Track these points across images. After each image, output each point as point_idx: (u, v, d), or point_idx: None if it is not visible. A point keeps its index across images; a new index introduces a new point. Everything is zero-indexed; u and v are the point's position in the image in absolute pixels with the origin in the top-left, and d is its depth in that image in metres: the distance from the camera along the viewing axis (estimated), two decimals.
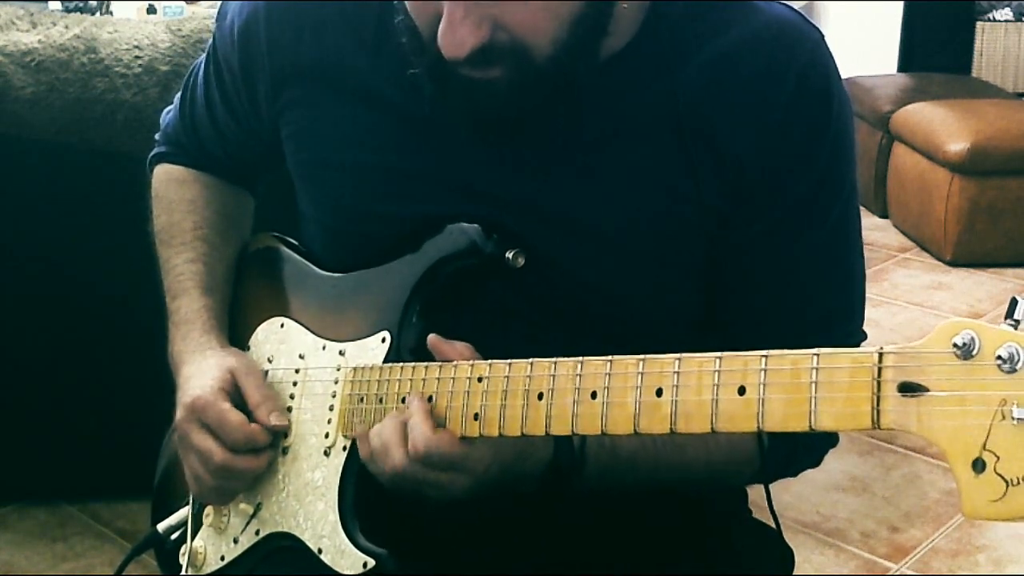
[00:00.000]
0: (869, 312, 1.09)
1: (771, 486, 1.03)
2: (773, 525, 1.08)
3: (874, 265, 4.03)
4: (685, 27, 0.99)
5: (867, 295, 1.09)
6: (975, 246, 4.01)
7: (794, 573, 1.15)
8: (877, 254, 4.15)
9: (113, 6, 3.51)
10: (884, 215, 4.52)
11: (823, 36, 1.02)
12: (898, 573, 2.27)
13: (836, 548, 2.34)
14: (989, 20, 5.40)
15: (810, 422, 0.75)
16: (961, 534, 2.40)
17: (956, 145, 3.94)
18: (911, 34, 5.33)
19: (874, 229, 4.41)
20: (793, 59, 0.99)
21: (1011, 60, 5.41)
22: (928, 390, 0.70)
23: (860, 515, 2.47)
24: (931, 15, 5.30)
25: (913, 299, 3.74)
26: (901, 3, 5.28)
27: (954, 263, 4.04)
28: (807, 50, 0.99)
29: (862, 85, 4.72)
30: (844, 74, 1.04)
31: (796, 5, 1.00)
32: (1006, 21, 5.39)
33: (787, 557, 1.14)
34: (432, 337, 0.98)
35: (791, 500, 2.50)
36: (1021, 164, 3.97)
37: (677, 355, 0.82)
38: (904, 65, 5.31)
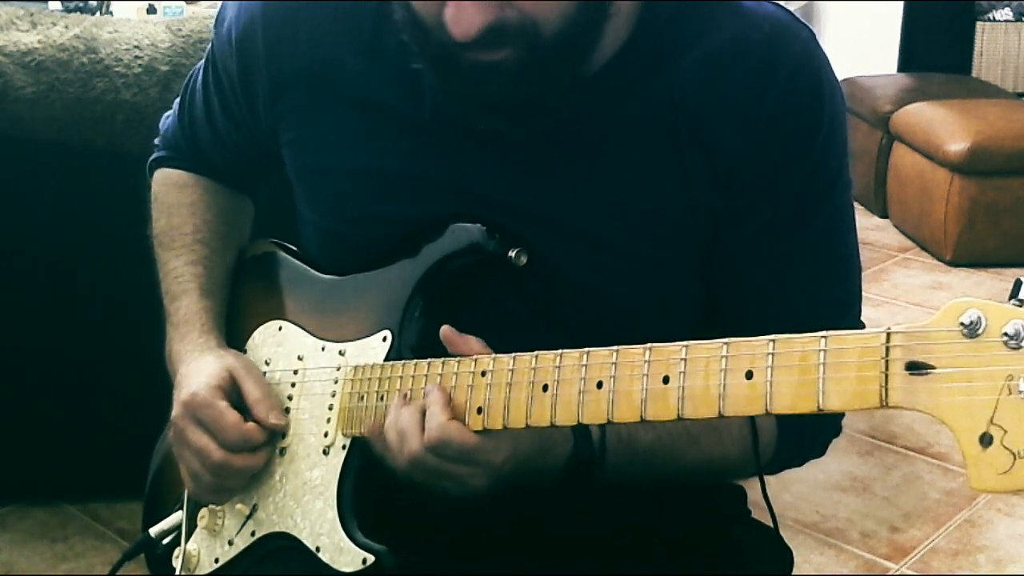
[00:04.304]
0: (869, 312, 1.09)
1: (771, 486, 1.03)
2: (771, 524, 1.09)
3: (874, 265, 4.03)
4: (675, 28, 1.00)
5: (867, 295, 1.10)
6: (975, 246, 4.01)
7: (794, 573, 1.15)
8: (877, 254, 4.14)
9: (113, 6, 3.50)
10: (884, 215, 4.52)
11: (813, 34, 1.02)
12: (898, 573, 2.27)
13: (836, 548, 2.34)
14: (989, 20, 5.39)
15: (818, 403, 0.75)
16: (961, 534, 2.39)
17: (956, 145, 3.94)
18: (911, 34, 5.32)
19: (874, 229, 4.40)
20: (783, 58, 0.99)
21: (1011, 60, 5.40)
22: (935, 368, 0.71)
23: (860, 515, 2.47)
24: (931, 15, 5.30)
25: (913, 299, 3.74)
26: (901, 3, 5.28)
27: (954, 263, 4.04)
28: (796, 49, 1.00)
29: (862, 85, 4.70)
30: (844, 74, 1.04)
31: (795, 5, 1.00)
32: (1006, 21, 5.39)
33: (786, 557, 1.14)
34: (446, 328, 0.97)
35: (791, 500, 2.50)
36: (1021, 164, 3.97)
37: (684, 343, 0.83)
38: (904, 65, 5.31)
